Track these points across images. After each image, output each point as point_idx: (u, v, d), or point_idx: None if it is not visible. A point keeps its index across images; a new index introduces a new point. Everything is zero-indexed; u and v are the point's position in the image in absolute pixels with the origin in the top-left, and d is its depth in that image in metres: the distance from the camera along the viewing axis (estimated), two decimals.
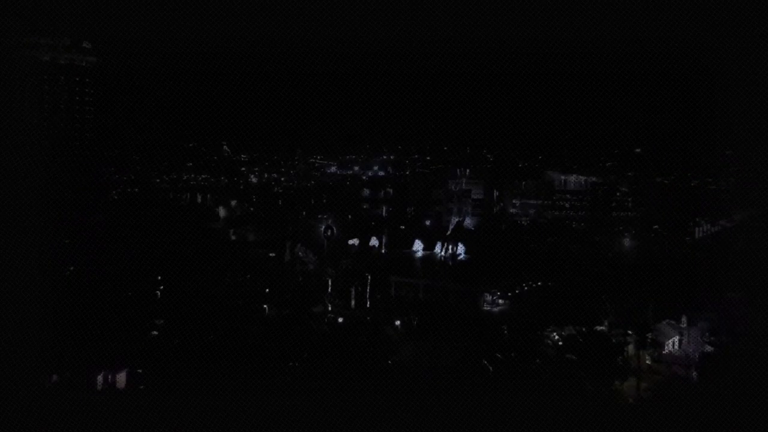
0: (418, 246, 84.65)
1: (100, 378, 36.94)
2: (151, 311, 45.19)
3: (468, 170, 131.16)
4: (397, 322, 47.59)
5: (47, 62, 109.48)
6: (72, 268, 57.26)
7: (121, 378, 37.61)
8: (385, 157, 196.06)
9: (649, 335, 42.06)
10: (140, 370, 36.70)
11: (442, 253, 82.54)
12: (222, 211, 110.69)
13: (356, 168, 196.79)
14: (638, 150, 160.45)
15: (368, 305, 57.57)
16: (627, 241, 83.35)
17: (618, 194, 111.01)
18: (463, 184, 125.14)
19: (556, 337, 42.53)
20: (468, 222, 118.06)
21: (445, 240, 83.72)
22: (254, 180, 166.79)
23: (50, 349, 36.01)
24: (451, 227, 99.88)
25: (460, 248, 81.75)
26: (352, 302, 57.17)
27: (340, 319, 51.15)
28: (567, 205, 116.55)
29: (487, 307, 55.32)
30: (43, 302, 39.43)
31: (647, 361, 41.90)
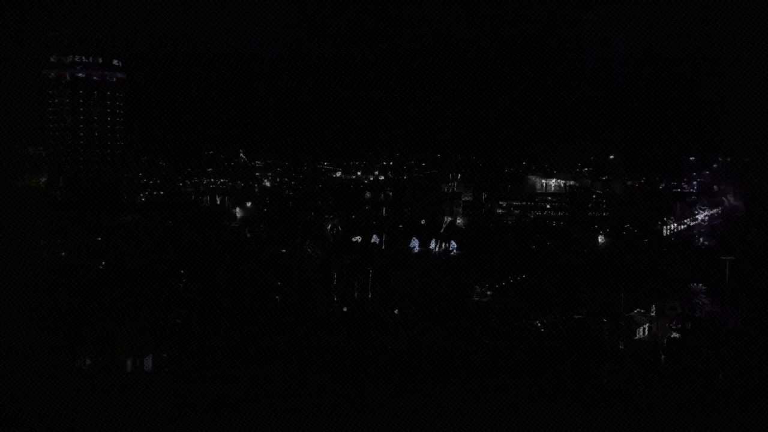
0: (414, 243, 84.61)
1: (128, 362, 36.90)
2: (174, 302, 45.15)
3: (459, 175, 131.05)
4: (396, 311, 47.56)
5: (82, 79, 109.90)
6: (104, 263, 57.30)
7: (148, 362, 37.56)
8: (384, 163, 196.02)
9: (622, 323, 42.08)
10: (165, 355, 36.69)
11: (436, 250, 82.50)
12: (239, 212, 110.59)
13: (359, 173, 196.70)
14: (612, 156, 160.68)
15: (369, 296, 57.62)
16: (601, 238, 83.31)
17: (593, 196, 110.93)
18: (455, 188, 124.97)
19: (539, 324, 42.51)
20: (459, 221, 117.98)
21: (438, 238, 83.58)
22: (267, 184, 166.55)
23: (84, 335, 36.01)
24: (444, 226, 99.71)
25: (452, 245, 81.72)
26: (355, 294, 57.22)
27: (345, 309, 51.17)
28: (548, 206, 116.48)
29: (476, 298, 55.27)
30: (77, 293, 39.47)
31: (620, 347, 41.98)
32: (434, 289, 58.14)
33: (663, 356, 39.26)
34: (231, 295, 46.40)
